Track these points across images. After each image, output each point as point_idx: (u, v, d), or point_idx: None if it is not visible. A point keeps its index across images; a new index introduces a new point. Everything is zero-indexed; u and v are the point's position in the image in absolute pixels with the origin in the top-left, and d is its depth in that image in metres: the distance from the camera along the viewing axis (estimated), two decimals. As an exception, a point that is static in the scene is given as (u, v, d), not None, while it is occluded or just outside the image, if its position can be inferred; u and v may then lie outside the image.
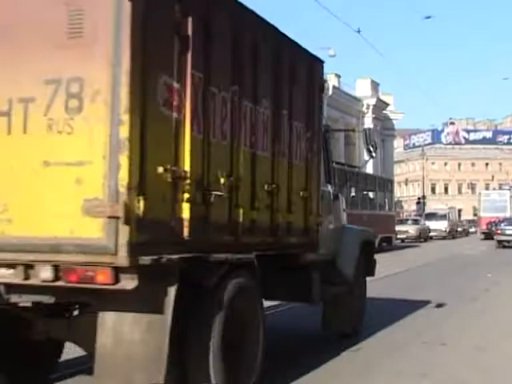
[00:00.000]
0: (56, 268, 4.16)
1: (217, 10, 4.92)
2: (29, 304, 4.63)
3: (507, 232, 33.11)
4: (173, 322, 4.32)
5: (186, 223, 4.51)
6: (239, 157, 5.25)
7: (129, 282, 4.07)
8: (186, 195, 4.50)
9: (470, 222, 62.47)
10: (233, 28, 5.17)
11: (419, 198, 62.03)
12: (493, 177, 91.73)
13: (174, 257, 4.29)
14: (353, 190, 26.61)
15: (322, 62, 6.99)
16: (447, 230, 47.19)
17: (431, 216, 48.63)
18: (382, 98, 51.58)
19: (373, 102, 48.91)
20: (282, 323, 8.79)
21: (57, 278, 4.18)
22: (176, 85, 4.45)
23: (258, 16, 5.58)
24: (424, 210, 55.93)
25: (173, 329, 4.33)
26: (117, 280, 4.08)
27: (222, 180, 4.95)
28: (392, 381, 6.30)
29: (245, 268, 5.30)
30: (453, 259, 24.61)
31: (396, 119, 56.40)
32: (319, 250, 6.94)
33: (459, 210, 70.64)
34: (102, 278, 4.08)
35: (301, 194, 6.43)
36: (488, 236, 40.17)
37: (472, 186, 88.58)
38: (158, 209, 4.24)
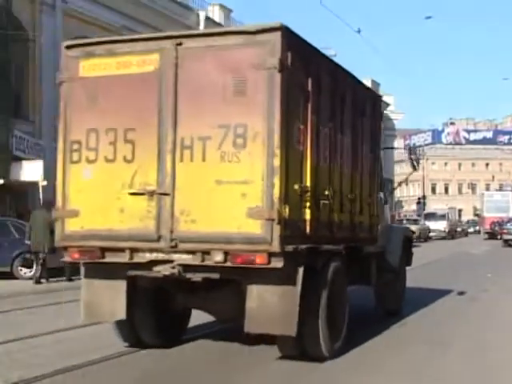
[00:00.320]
0: (226, 253, 6.11)
1: (323, 70, 6.90)
2: (199, 279, 6.54)
3: None
4: (301, 291, 6.27)
5: (307, 223, 6.50)
6: (334, 175, 7.25)
7: (278, 263, 6.04)
8: (308, 203, 6.48)
9: (468, 222, 63.76)
10: (331, 82, 7.13)
11: (419, 198, 62.95)
12: (493, 177, 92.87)
13: (303, 246, 6.28)
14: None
15: (380, 96, 8.98)
16: (446, 230, 47.44)
17: (430, 216, 49.03)
18: (383, 98, 52.77)
19: (373, 102, 50.19)
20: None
21: (225, 260, 6.13)
22: (302, 126, 6.42)
23: (345, 70, 7.54)
24: (424, 210, 56.84)
25: (301, 296, 6.28)
26: (269, 261, 6.03)
27: (326, 192, 6.93)
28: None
29: (338, 256, 7.29)
30: (460, 257, 26.13)
31: (396, 119, 57.51)
32: (377, 243, 8.92)
33: (459, 210, 71.60)
34: (260, 260, 6.04)
35: (367, 200, 8.41)
36: (492, 236, 41.68)
37: (472, 186, 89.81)
38: (294, 213, 6.19)
